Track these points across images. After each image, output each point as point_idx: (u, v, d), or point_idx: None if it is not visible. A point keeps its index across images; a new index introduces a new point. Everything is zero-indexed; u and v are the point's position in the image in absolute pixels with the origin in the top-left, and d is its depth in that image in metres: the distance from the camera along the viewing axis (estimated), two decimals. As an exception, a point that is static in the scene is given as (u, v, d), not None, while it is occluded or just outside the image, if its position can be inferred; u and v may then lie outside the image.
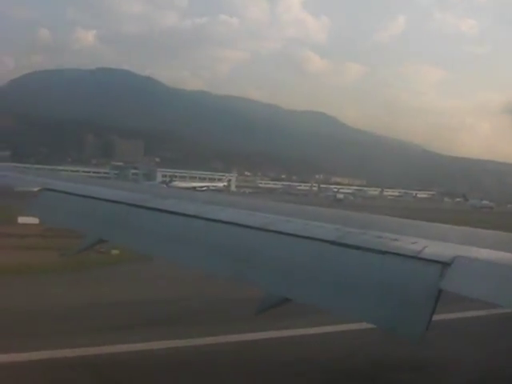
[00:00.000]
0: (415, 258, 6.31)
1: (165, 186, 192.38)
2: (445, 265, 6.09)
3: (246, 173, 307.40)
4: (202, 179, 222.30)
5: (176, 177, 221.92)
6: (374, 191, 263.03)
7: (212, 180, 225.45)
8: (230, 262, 7.82)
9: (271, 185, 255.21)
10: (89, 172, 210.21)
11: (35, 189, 12.27)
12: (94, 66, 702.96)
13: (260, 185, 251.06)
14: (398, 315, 5.99)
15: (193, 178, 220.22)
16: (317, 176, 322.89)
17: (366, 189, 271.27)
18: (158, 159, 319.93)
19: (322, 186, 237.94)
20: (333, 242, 7.08)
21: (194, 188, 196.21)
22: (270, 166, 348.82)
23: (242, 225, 8.24)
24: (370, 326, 6.73)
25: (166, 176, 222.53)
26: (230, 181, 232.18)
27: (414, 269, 6.21)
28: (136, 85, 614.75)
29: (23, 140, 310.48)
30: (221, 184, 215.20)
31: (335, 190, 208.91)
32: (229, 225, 8.38)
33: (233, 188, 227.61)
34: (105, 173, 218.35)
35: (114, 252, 34.93)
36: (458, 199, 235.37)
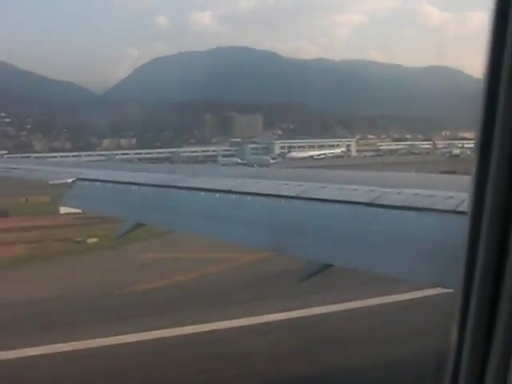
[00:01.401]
0: (453, 212, 6.15)
1: (280, 158, 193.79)
2: None
3: (370, 136, 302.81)
4: (321, 147, 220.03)
5: (294, 147, 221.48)
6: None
7: (331, 147, 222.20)
8: (269, 233, 7.91)
9: (393, 146, 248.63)
10: (208, 151, 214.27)
11: (69, 180, 12.62)
12: (212, 46, 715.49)
13: (381, 147, 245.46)
14: (441, 270, 5.88)
15: (311, 147, 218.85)
16: (443, 133, 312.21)
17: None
18: (279, 131, 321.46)
19: (447, 142, 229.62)
20: (369, 204, 7.02)
21: (312, 157, 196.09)
22: (394, 127, 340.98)
23: (276, 195, 8.29)
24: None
25: (284, 147, 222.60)
26: (349, 146, 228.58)
27: (452, 223, 6.00)
28: (254, 60, 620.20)
29: (149, 126, 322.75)
30: (338, 150, 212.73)
31: (459, 145, 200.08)
32: (264, 196, 8.44)
33: (353, 153, 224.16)
34: (225, 150, 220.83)
35: (92, 241, 35.39)
36: None
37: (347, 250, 6.92)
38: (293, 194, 8.11)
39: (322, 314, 20.46)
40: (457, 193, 6.87)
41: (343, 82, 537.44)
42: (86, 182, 12.54)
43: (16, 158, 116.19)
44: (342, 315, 20.79)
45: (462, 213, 6.07)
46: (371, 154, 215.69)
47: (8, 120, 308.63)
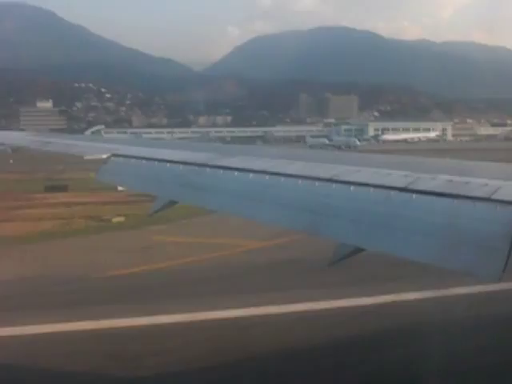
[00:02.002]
0: (488, 199, 6.16)
1: (373, 140, 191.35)
2: None
3: (468, 120, 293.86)
4: (416, 130, 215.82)
5: (388, 130, 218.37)
6: None
7: (426, 130, 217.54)
8: (302, 215, 7.93)
9: (491, 131, 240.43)
10: (301, 131, 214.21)
11: (104, 155, 12.71)
12: (312, 25, 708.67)
13: (479, 132, 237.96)
14: (474, 258, 5.88)
15: (406, 130, 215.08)
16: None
17: None
18: (376, 113, 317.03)
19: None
20: (403, 189, 7.03)
21: (405, 140, 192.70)
22: (494, 111, 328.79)
23: (311, 177, 8.24)
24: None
25: (378, 130, 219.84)
26: (444, 130, 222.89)
27: (487, 211, 6.06)
28: (353, 40, 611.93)
29: (245, 104, 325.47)
30: (433, 134, 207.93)
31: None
32: (298, 178, 8.38)
33: (448, 137, 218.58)
34: (317, 131, 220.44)
35: (117, 219, 35.74)
36: None
37: (378, 233, 7.04)
38: (327, 176, 8.18)
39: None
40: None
41: (445, 63, 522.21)
42: (121, 158, 12.66)
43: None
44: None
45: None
46: (467, 138, 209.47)
47: (108, 95, 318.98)
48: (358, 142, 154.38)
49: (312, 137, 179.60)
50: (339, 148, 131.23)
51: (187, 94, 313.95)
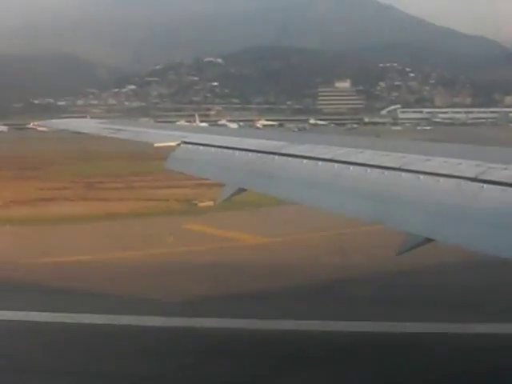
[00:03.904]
0: None
1: None
2: None
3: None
4: None
5: None
6: None
7: None
8: (371, 204, 7.94)
9: None
10: None
11: (173, 143, 12.89)
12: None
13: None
14: None
15: None
16: None
17: None
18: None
19: None
20: (474, 179, 6.88)
21: None
22: None
23: (380, 166, 8.19)
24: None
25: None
26: None
27: None
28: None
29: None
30: None
31: None
32: (367, 167, 8.37)
33: None
34: None
35: (204, 204, 33.13)
36: None
37: (449, 224, 6.85)
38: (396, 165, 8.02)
39: None
40: None
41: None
42: (189, 146, 12.68)
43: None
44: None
45: None
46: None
47: (412, 75, 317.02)
48: None
49: None
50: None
51: (495, 71, 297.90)
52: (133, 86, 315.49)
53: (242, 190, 10.48)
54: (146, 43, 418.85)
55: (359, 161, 8.55)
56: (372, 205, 7.84)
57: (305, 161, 9.44)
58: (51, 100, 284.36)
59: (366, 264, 21.10)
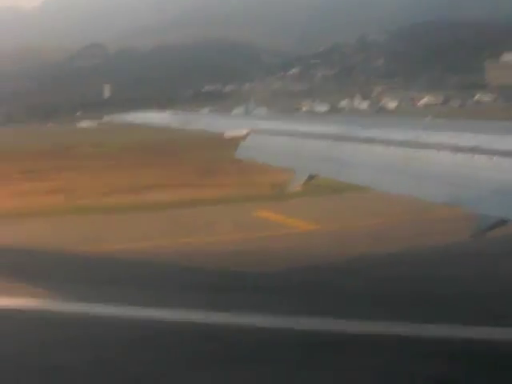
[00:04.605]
0: None
1: None
2: None
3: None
4: None
5: None
6: None
7: None
8: (444, 186, 7.83)
9: None
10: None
11: (243, 132, 12.96)
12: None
13: None
14: None
15: None
16: None
17: None
18: None
19: None
20: None
21: None
22: None
23: (451, 147, 8.05)
24: None
25: None
26: None
27: None
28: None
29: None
30: None
31: None
32: (439, 149, 8.23)
33: None
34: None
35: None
36: None
37: None
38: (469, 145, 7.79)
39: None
40: None
41: None
42: (259, 134, 12.69)
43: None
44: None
45: None
46: None
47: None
48: None
49: None
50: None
51: None
52: (297, 69, 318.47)
53: (312, 177, 10.53)
54: (311, 25, 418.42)
55: (432, 142, 8.44)
56: (446, 187, 7.68)
57: (374, 145, 9.42)
58: (218, 86, 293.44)
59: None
